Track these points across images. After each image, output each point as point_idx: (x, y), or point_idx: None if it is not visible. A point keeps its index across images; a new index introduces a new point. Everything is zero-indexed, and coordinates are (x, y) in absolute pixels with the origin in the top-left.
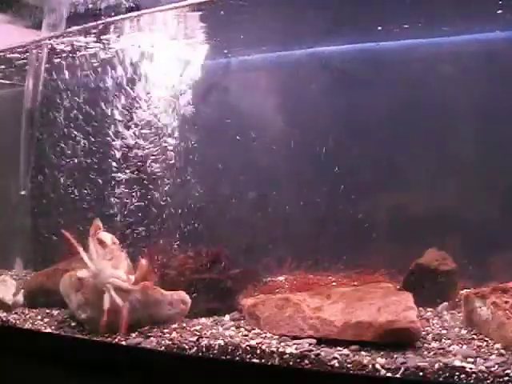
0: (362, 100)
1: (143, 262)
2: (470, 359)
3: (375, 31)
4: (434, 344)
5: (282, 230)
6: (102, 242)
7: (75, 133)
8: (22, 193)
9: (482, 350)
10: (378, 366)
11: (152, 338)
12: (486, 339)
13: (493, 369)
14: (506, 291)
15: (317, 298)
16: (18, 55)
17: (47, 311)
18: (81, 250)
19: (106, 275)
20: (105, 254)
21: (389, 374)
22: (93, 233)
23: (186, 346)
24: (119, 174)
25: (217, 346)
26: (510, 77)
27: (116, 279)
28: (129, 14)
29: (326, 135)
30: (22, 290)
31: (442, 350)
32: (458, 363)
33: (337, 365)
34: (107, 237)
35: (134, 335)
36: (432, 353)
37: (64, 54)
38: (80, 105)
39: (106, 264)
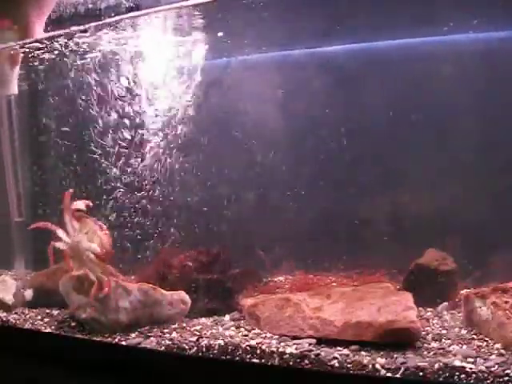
0: (363, 100)
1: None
2: (470, 359)
3: (374, 31)
4: (434, 344)
5: (282, 230)
6: (78, 211)
7: (77, 130)
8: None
9: (482, 350)
10: (378, 365)
11: (152, 338)
12: (486, 339)
13: (493, 369)
14: (506, 291)
15: (317, 298)
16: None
17: (47, 311)
18: (55, 227)
19: (83, 248)
20: (80, 228)
21: (389, 374)
22: (67, 207)
23: (186, 346)
24: (122, 174)
25: (217, 346)
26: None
27: (91, 253)
28: (129, 14)
29: (326, 135)
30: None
31: (442, 350)
32: (458, 363)
33: (337, 365)
34: (81, 204)
35: (133, 335)
36: (432, 353)
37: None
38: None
39: (82, 237)
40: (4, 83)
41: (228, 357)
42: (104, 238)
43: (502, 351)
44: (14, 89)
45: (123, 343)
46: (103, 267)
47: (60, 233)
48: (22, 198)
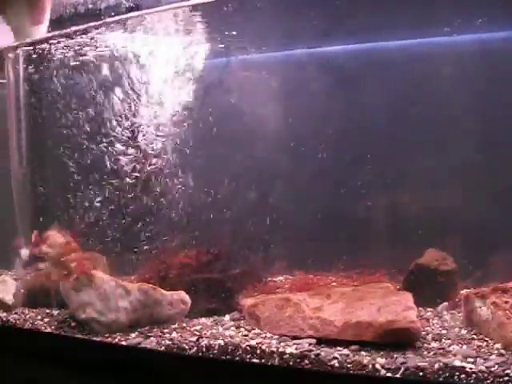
0: (363, 100)
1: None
2: (470, 359)
3: (375, 31)
4: (434, 344)
5: (282, 230)
6: (44, 239)
7: (76, 130)
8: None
9: (482, 349)
10: (377, 365)
11: (152, 338)
12: (486, 339)
13: (493, 369)
14: (506, 291)
15: (317, 298)
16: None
17: (47, 311)
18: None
19: (53, 257)
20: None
21: (389, 374)
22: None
23: (186, 346)
24: (122, 174)
25: (217, 346)
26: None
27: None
28: (129, 14)
29: (326, 135)
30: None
31: (442, 350)
32: (458, 363)
33: (337, 365)
34: (33, 237)
35: (133, 335)
36: (432, 353)
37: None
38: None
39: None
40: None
41: (228, 357)
42: (56, 240)
43: (502, 351)
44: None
45: (123, 343)
46: (71, 261)
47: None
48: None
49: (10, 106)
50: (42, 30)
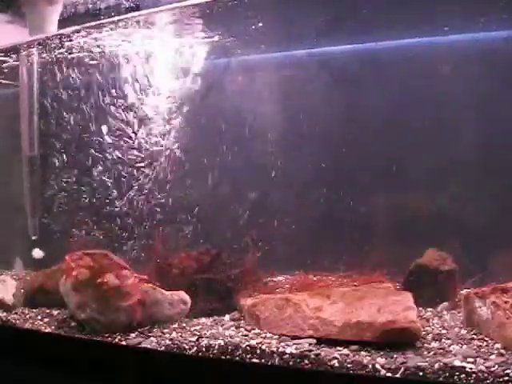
0: (363, 100)
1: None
2: (470, 359)
3: (375, 31)
4: (434, 344)
5: (282, 230)
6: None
7: (77, 131)
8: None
9: (482, 349)
10: (377, 365)
11: (152, 338)
12: (486, 339)
13: (493, 369)
14: (506, 291)
15: (317, 298)
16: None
17: (47, 311)
18: None
19: None
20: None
21: (389, 374)
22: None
23: (186, 346)
24: (122, 174)
25: (217, 346)
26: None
27: None
28: (129, 14)
29: (326, 135)
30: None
31: (441, 350)
32: (458, 363)
33: (337, 365)
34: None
35: (133, 335)
36: (432, 353)
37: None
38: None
39: None
40: (42, 24)
41: (228, 357)
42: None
43: (502, 351)
44: (54, 28)
45: (123, 343)
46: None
47: None
48: None
49: None
50: (57, 10)
